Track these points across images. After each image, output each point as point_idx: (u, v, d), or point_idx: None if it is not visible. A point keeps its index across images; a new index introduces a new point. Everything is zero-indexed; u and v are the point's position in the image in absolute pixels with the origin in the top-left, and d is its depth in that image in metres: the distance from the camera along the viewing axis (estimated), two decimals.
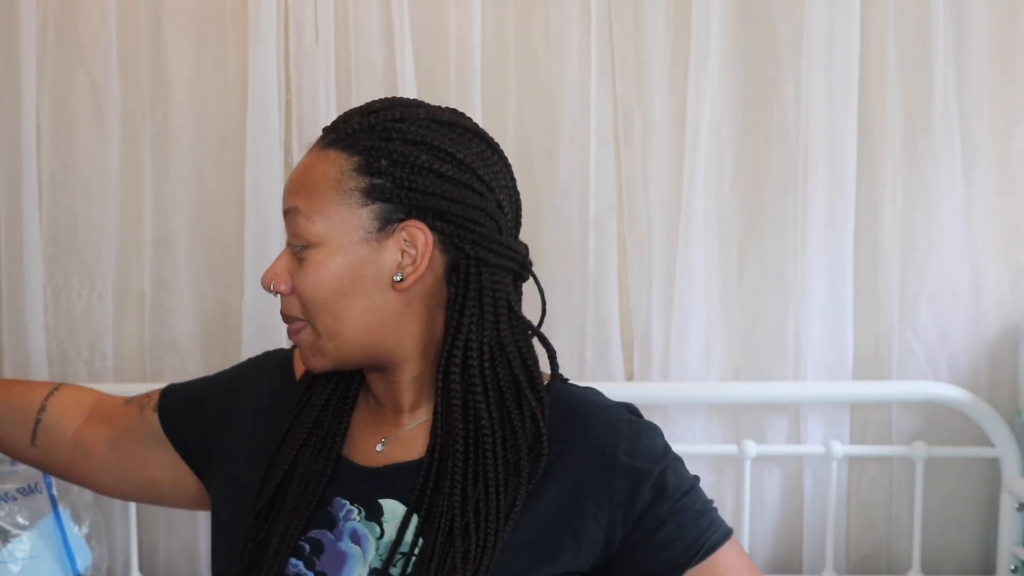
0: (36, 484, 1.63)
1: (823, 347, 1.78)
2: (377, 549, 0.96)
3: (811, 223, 1.75)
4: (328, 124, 1.01)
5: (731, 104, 1.77)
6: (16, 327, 1.79)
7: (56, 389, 1.19)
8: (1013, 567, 1.72)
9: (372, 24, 1.76)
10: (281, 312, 1.00)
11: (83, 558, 1.64)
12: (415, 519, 0.95)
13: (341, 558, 0.96)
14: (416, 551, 0.94)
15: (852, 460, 1.82)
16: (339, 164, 0.95)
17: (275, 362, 1.13)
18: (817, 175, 1.75)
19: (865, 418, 1.82)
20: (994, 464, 1.78)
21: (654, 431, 1.00)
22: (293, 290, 0.97)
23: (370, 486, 0.99)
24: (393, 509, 0.97)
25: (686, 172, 1.76)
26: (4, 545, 1.55)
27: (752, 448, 1.75)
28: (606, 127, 1.77)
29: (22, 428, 1.18)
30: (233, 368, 1.17)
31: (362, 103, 1.74)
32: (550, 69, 1.77)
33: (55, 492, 1.65)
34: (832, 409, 1.80)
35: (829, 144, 1.75)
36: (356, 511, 0.98)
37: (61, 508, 1.64)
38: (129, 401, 1.19)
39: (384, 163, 0.94)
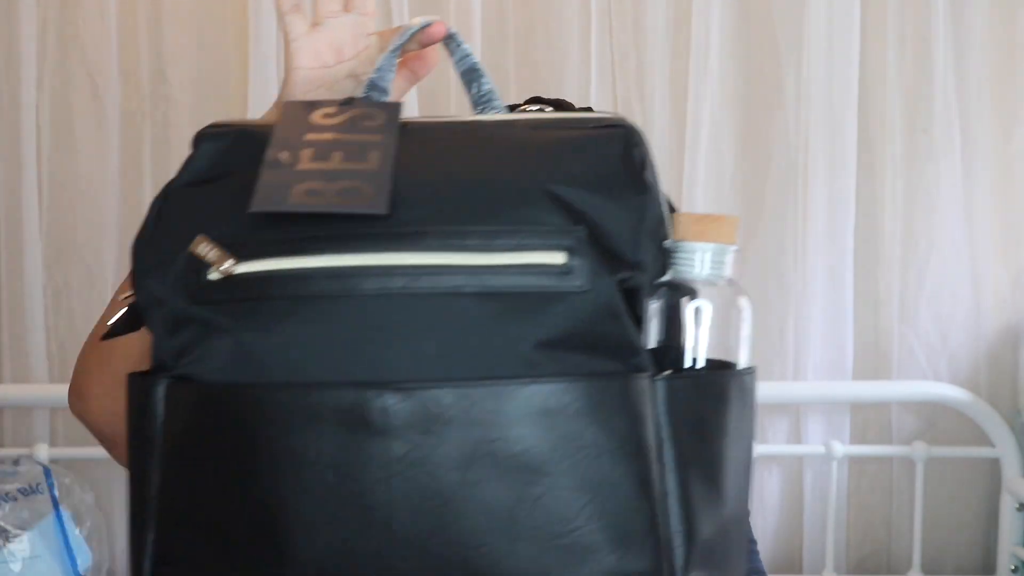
0: (38, 485, 1.63)
1: (823, 347, 1.78)
2: None
3: (811, 223, 1.75)
4: None
5: (731, 104, 1.77)
6: (16, 327, 1.79)
7: None
8: (1013, 567, 1.72)
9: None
10: None
11: (83, 559, 1.65)
12: None
13: None
14: None
15: (852, 460, 1.82)
16: None
17: None
18: (817, 175, 1.75)
19: (865, 418, 1.82)
20: (994, 464, 1.78)
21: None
22: None
23: None
24: None
25: (686, 172, 1.76)
26: (5, 545, 1.55)
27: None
28: None
29: None
30: None
31: None
32: (550, 69, 1.77)
33: (56, 493, 1.65)
34: (832, 409, 1.80)
35: (829, 144, 1.75)
36: None
37: (62, 509, 1.64)
38: None
39: None
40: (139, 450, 0.58)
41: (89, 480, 1.74)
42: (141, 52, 1.78)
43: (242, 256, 0.55)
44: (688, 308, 0.59)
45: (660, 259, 0.58)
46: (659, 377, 0.56)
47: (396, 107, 0.63)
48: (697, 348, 0.59)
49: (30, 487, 1.61)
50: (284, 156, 0.59)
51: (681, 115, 1.76)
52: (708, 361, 0.59)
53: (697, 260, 0.60)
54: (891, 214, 1.77)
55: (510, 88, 1.77)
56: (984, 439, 1.75)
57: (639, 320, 0.57)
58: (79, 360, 0.78)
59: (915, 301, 1.78)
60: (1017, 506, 1.72)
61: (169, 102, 1.78)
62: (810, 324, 1.77)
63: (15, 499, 1.59)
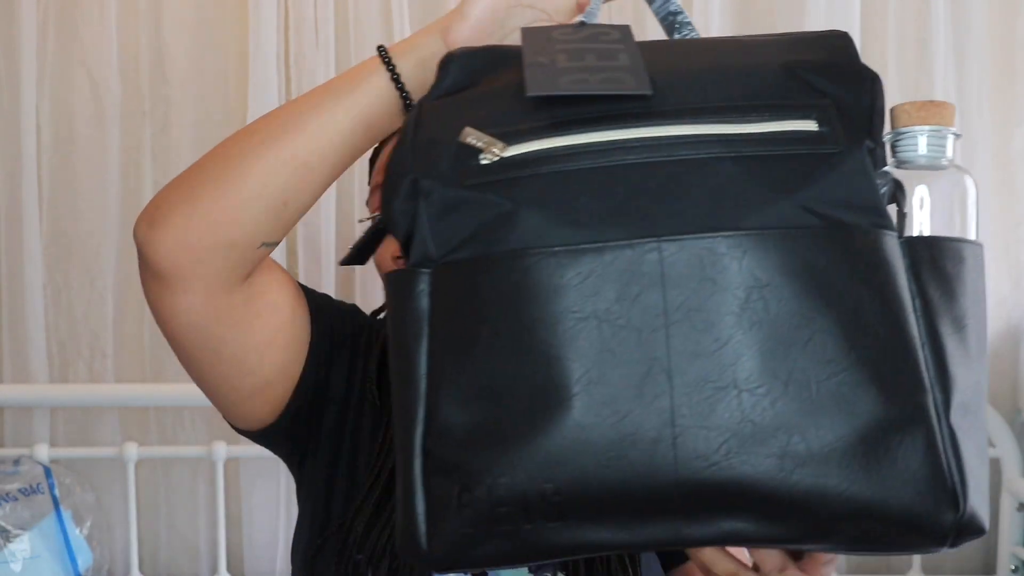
0: (38, 485, 1.63)
1: None
2: None
3: None
4: None
5: None
6: (16, 327, 1.79)
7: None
8: (1013, 567, 1.73)
9: (372, 24, 1.76)
10: None
11: (84, 558, 1.65)
12: None
13: None
14: None
15: None
16: None
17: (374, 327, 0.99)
18: None
19: None
20: (994, 464, 1.78)
21: None
22: None
23: None
24: None
25: None
26: (6, 545, 1.55)
27: None
28: None
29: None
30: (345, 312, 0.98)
31: None
32: None
33: (57, 493, 1.65)
34: None
35: None
36: None
37: (62, 508, 1.64)
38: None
39: None
40: (406, 338, 0.61)
41: (89, 480, 1.74)
42: (141, 52, 1.77)
43: (511, 140, 0.60)
44: (915, 191, 0.64)
45: (883, 148, 0.62)
46: (903, 237, 0.60)
47: (626, 26, 0.68)
48: (924, 226, 0.63)
49: (30, 487, 1.61)
50: (542, 59, 0.63)
51: None
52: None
53: (919, 143, 0.64)
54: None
55: None
56: None
57: None
58: (160, 195, 0.77)
59: None
60: (1017, 506, 1.72)
61: (169, 102, 1.78)
62: None
63: (15, 499, 1.59)
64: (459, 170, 0.60)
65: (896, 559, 1.82)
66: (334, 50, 1.76)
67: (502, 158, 0.60)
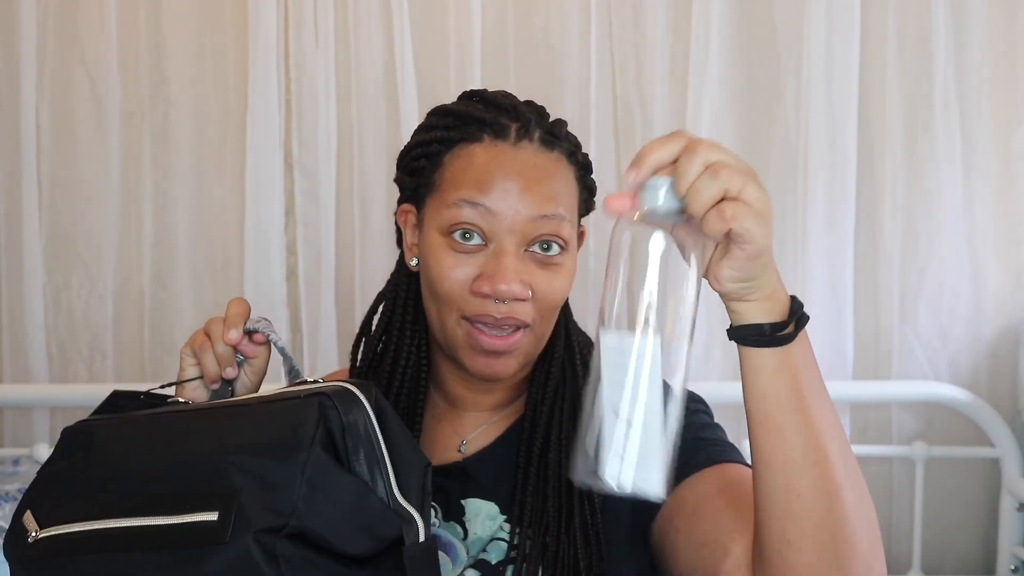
0: None
1: (823, 347, 1.78)
2: (468, 551, 0.93)
3: (811, 223, 1.75)
4: (523, 117, 0.99)
5: (731, 104, 1.77)
6: (16, 327, 1.79)
7: None
8: (1013, 567, 1.72)
9: (372, 24, 1.76)
10: (499, 318, 0.91)
11: None
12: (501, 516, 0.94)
13: None
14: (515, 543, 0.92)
15: None
16: (571, 172, 0.98)
17: None
18: (817, 175, 1.75)
19: (865, 418, 1.82)
20: (994, 464, 1.78)
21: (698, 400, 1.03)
22: (532, 295, 0.93)
23: (449, 483, 0.96)
24: (476, 507, 0.95)
25: None
26: None
27: None
28: (606, 127, 1.77)
29: None
30: None
31: (365, 103, 1.76)
32: (550, 69, 1.77)
33: None
34: None
35: (829, 144, 1.75)
36: (434, 510, 0.95)
37: None
38: None
39: (586, 174, 1.01)
40: None
41: None
42: (141, 52, 1.78)
43: (45, 524, 0.76)
44: None
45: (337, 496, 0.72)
46: None
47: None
48: None
49: None
50: None
51: (681, 115, 1.76)
52: None
53: None
54: (891, 214, 1.77)
55: (510, 89, 1.76)
56: (984, 439, 1.75)
57: (305, 559, 0.70)
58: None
59: (915, 301, 1.78)
60: (1017, 506, 1.72)
61: (169, 102, 1.78)
62: (810, 324, 1.76)
63: (15, 499, 1.59)
64: (18, 548, 0.77)
65: (896, 559, 1.82)
66: (334, 50, 1.76)
67: (37, 539, 0.76)
